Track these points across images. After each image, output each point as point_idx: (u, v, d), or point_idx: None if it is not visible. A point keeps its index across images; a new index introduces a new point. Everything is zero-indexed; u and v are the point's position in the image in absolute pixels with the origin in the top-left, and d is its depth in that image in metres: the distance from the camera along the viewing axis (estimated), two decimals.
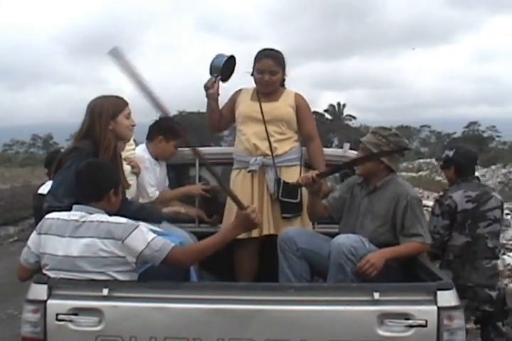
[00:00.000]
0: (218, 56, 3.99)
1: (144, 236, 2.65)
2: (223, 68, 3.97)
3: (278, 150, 3.94)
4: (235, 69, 4.11)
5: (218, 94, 4.09)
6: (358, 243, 3.17)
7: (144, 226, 2.75)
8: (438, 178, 25.50)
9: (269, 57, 3.95)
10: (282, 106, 3.99)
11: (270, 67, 3.93)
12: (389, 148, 3.41)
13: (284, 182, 3.89)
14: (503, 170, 23.48)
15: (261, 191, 3.94)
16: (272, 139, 3.93)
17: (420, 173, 29.35)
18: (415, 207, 3.34)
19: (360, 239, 3.22)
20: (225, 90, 4.17)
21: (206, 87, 3.99)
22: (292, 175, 3.92)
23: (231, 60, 4.06)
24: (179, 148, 4.14)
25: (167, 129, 4.06)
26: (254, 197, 3.93)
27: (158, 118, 4.17)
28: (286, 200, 3.89)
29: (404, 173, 26.87)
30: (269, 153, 3.92)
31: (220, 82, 4.08)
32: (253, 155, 3.94)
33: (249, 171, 3.94)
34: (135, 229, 2.65)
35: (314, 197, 3.60)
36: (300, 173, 3.94)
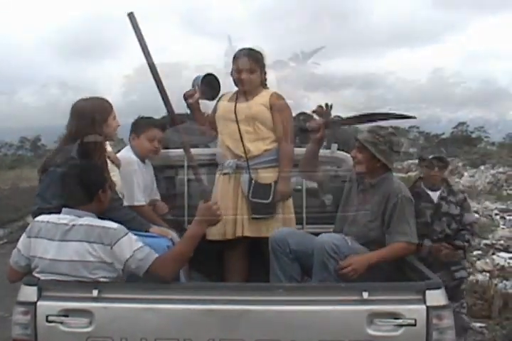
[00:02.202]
0: (197, 77, 4.06)
1: (131, 243, 2.65)
2: (203, 86, 4.02)
3: (252, 151, 3.91)
4: (220, 87, 4.16)
5: (198, 104, 4.12)
6: (340, 241, 3.19)
7: (132, 234, 2.74)
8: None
9: (246, 56, 3.97)
10: (254, 105, 3.97)
11: (247, 65, 3.95)
12: (386, 147, 3.43)
13: (255, 182, 3.87)
14: (492, 171, 23.58)
15: (235, 193, 3.93)
16: (244, 140, 3.92)
17: (409, 174, 29.28)
18: (405, 205, 3.34)
19: (343, 238, 3.24)
20: None
21: (185, 97, 4.01)
22: (269, 176, 3.91)
23: (211, 78, 4.11)
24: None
25: (133, 125, 4.06)
26: (231, 199, 3.92)
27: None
28: (256, 201, 3.86)
29: (394, 174, 26.95)
30: (242, 154, 3.92)
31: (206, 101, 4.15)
32: (227, 157, 3.95)
33: (224, 174, 3.95)
34: (124, 235, 2.65)
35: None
36: (278, 175, 3.95)
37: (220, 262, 3.95)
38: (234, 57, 4.01)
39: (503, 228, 11.64)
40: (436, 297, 2.55)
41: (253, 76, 3.97)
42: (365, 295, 2.54)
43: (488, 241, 9.61)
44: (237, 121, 3.93)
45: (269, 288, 2.84)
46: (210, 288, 2.78)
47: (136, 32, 2.67)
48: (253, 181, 3.87)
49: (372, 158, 3.44)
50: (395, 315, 2.53)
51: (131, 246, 2.64)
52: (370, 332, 2.52)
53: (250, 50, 4.05)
